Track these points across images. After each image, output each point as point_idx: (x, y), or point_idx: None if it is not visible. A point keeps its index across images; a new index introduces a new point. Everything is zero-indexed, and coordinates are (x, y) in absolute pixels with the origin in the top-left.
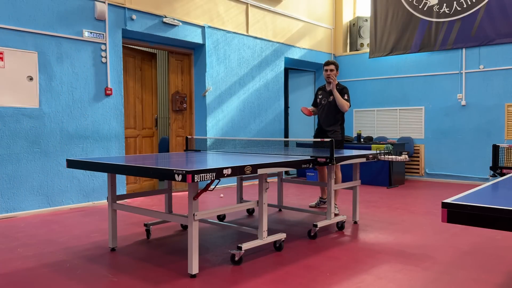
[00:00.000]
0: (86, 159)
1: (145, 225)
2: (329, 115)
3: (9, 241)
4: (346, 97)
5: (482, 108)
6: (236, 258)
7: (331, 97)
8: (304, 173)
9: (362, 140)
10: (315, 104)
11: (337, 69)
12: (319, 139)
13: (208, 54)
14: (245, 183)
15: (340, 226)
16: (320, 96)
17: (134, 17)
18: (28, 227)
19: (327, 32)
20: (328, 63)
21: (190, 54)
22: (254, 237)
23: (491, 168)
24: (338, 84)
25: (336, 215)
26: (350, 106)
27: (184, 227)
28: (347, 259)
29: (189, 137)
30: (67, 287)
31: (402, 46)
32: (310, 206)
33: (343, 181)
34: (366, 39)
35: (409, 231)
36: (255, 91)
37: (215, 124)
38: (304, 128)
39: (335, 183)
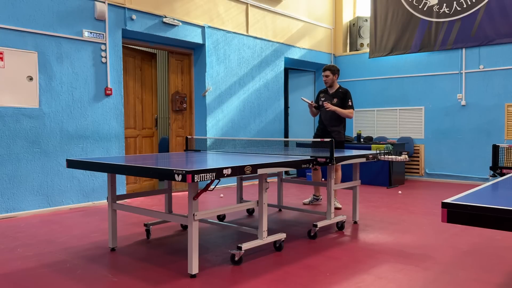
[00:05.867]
0: (86, 159)
1: (145, 225)
2: (333, 116)
3: (9, 241)
4: (350, 103)
5: (482, 108)
6: (236, 258)
7: (334, 100)
8: (304, 173)
9: (362, 140)
10: (317, 107)
11: (334, 73)
12: (319, 139)
13: (208, 54)
14: (245, 183)
15: (340, 226)
16: (322, 99)
17: (134, 17)
18: (28, 227)
19: (327, 32)
20: (324, 69)
21: (190, 54)
22: (254, 237)
23: (491, 168)
24: (339, 87)
25: (338, 208)
26: (353, 109)
27: (184, 227)
28: (347, 259)
29: (189, 137)
30: (67, 287)
31: (402, 46)
32: (304, 203)
33: (343, 181)
34: (366, 39)
35: (409, 231)
36: (255, 91)
37: (215, 124)
38: (304, 128)
39: (335, 182)
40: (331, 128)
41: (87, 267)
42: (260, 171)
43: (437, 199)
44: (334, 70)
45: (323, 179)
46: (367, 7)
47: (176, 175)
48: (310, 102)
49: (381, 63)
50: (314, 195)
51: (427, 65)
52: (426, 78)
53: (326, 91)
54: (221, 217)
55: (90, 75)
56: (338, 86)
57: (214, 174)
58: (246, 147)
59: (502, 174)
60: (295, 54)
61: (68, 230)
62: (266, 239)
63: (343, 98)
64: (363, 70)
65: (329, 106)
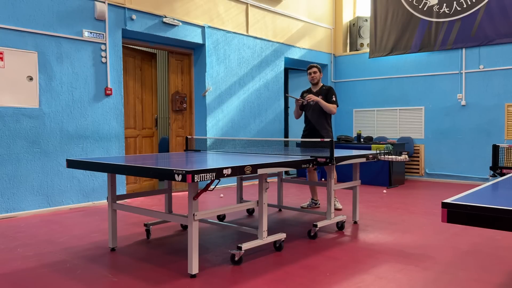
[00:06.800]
0: (86, 159)
1: (145, 225)
2: (320, 114)
3: (9, 241)
4: (334, 99)
5: (482, 108)
6: (236, 258)
7: (319, 97)
8: (304, 173)
9: (362, 140)
10: (301, 107)
11: (320, 71)
12: (319, 139)
13: (208, 54)
14: (245, 183)
15: (340, 226)
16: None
17: (134, 17)
18: (28, 227)
19: (327, 32)
20: (310, 67)
21: (190, 54)
22: (254, 237)
23: (491, 168)
24: (323, 85)
25: (338, 209)
26: (337, 106)
27: (184, 227)
28: (347, 259)
29: (189, 137)
30: (67, 287)
31: (402, 46)
32: (302, 207)
33: (343, 181)
34: (366, 39)
35: (409, 231)
36: (255, 91)
37: (215, 124)
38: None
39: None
40: (319, 127)
41: (87, 267)
42: (260, 171)
43: (437, 199)
44: (320, 68)
45: (322, 179)
46: (367, 7)
47: (176, 175)
48: (297, 98)
49: (381, 63)
50: (312, 199)
51: (427, 65)
52: (426, 78)
53: (310, 90)
54: (221, 217)
55: (90, 75)
56: (321, 84)
57: (214, 174)
58: (246, 147)
59: (502, 174)
60: (295, 54)
61: (68, 230)
62: (266, 239)
63: (327, 94)
64: (363, 70)
65: (311, 96)
